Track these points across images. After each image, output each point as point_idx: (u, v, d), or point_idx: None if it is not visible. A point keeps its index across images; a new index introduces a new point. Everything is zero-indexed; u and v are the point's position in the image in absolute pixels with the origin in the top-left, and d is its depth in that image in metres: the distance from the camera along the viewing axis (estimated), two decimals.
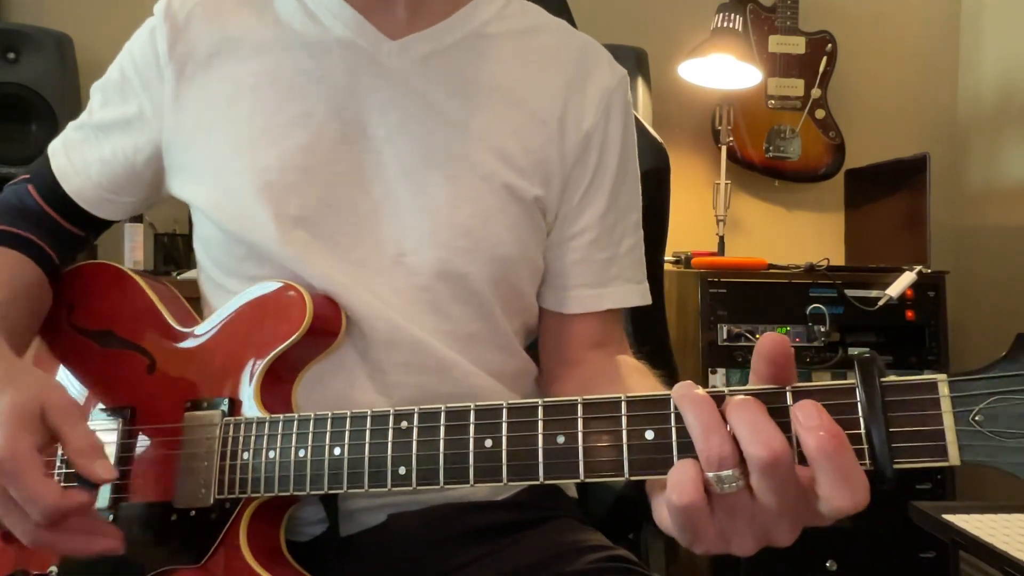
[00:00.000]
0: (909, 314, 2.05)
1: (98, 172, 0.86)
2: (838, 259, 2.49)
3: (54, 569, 0.73)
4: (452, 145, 0.79)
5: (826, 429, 0.47)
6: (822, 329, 1.99)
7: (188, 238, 2.18)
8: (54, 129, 1.96)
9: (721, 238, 2.37)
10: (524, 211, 0.81)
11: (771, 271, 2.09)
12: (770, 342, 0.51)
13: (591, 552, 0.75)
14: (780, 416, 0.49)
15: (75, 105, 2.04)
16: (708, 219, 2.42)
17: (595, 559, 0.74)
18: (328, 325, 0.74)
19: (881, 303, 2.01)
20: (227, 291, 0.80)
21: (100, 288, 0.84)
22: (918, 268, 2.06)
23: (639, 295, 0.88)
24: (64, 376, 0.82)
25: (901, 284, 2.02)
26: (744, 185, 2.58)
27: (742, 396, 0.50)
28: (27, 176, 0.90)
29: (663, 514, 0.53)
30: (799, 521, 0.50)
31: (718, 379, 1.98)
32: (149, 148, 0.84)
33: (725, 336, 1.99)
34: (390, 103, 0.79)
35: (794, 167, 2.52)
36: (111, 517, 0.73)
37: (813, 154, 2.52)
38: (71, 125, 0.90)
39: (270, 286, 0.75)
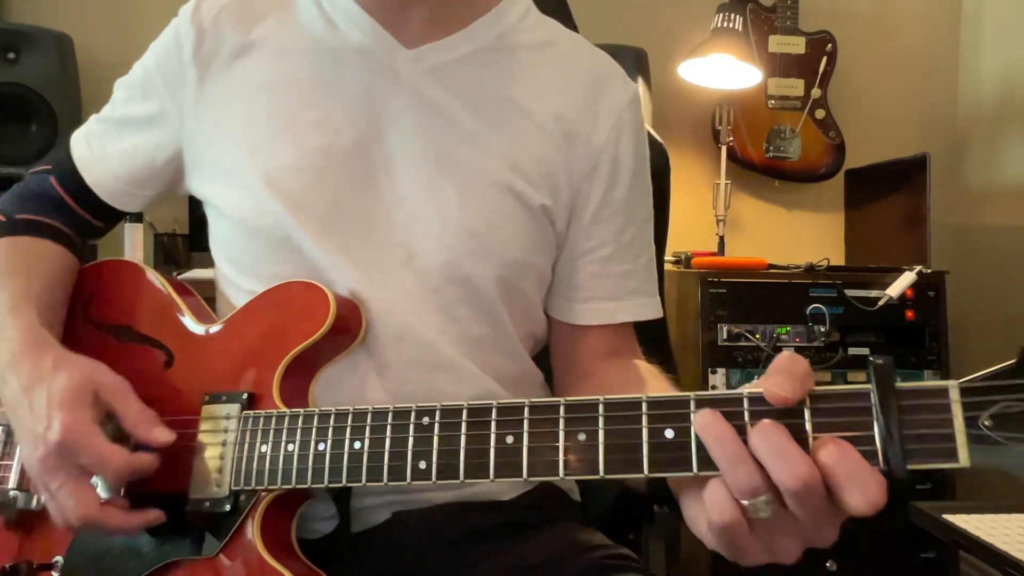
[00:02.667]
0: (909, 314, 2.05)
1: (118, 164, 0.89)
2: (838, 259, 2.49)
3: (59, 559, 0.73)
4: (463, 152, 0.81)
5: (835, 444, 0.49)
6: (822, 329, 1.99)
7: (188, 238, 2.19)
8: (54, 129, 1.96)
9: (721, 238, 2.37)
10: (532, 218, 0.82)
11: (771, 271, 2.09)
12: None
13: (594, 551, 0.76)
14: (798, 431, 0.51)
15: (75, 105, 2.04)
16: (708, 219, 2.42)
17: (598, 557, 0.75)
18: (349, 325, 0.75)
19: (881, 303, 2.01)
20: (244, 290, 0.81)
21: (118, 284, 0.86)
22: (918, 268, 2.06)
23: (653, 308, 0.90)
24: None
25: (901, 284, 2.02)
26: (744, 185, 2.58)
27: (764, 423, 0.51)
28: (47, 167, 0.92)
29: (702, 528, 0.54)
30: (837, 521, 0.52)
31: (718, 379, 1.98)
32: (170, 147, 0.86)
33: (725, 336, 1.99)
34: (404, 110, 0.81)
35: (794, 167, 2.52)
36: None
37: (813, 154, 2.52)
38: (93, 118, 0.92)
39: (292, 284, 0.76)
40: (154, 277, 0.84)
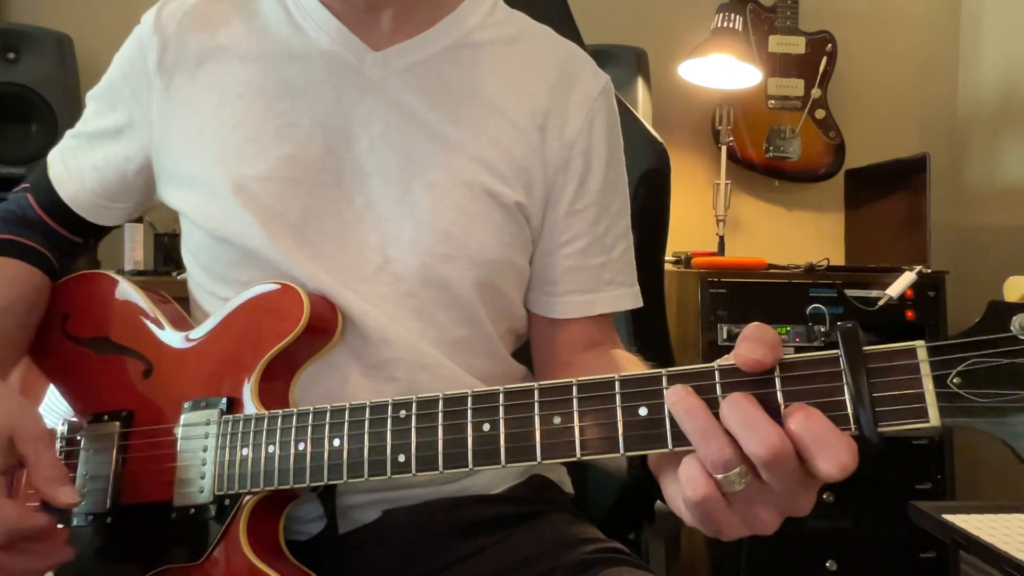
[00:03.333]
0: (909, 314, 2.05)
1: (91, 179, 0.88)
2: (838, 259, 2.49)
3: (49, 574, 0.73)
4: (434, 154, 0.80)
5: (803, 410, 0.50)
6: (822, 329, 1.99)
7: None
8: (54, 129, 1.96)
9: (721, 238, 2.37)
10: (507, 216, 0.81)
11: (771, 271, 2.09)
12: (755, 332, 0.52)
13: (585, 544, 0.76)
14: (770, 401, 0.51)
15: (75, 105, 2.04)
16: (708, 219, 2.42)
17: (589, 550, 0.75)
18: (325, 324, 0.75)
19: (881, 303, 2.01)
20: (217, 297, 0.81)
21: (94, 297, 0.85)
22: (918, 268, 2.06)
23: (631, 298, 0.89)
24: (58, 386, 0.82)
25: (901, 284, 2.02)
26: (744, 185, 2.58)
27: (734, 395, 0.51)
28: (27, 185, 0.91)
29: (680, 505, 0.54)
30: (813, 489, 0.52)
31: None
32: (139, 157, 0.86)
33: (725, 336, 1.99)
34: (373, 114, 0.80)
35: (794, 167, 2.52)
36: (110, 520, 0.73)
37: (813, 154, 2.52)
38: (68, 133, 0.92)
39: (267, 286, 0.76)
40: (129, 287, 0.84)
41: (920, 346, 0.49)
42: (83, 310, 0.85)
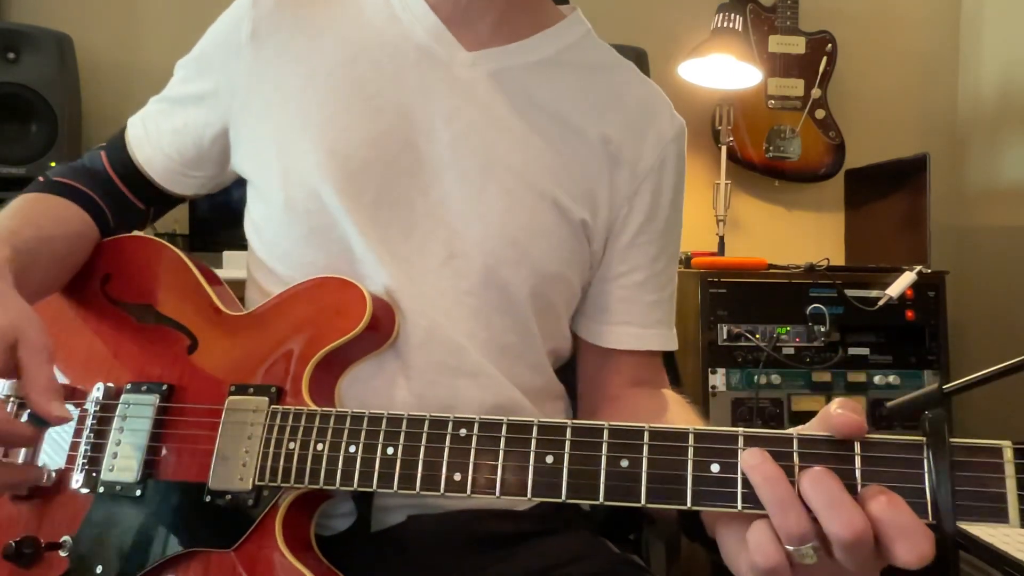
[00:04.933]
0: (909, 314, 2.05)
1: (169, 143, 0.89)
2: (838, 259, 2.49)
3: (68, 539, 0.72)
4: (511, 159, 0.81)
5: (886, 495, 0.49)
6: (822, 329, 1.99)
7: (188, 238, 2.18)
8: (54, 129, 1.96)
9: (721, 238, 2.37)
10: (572, 232, 0.83)
11: (771, 271, 2.09)
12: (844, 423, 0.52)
13: (601, 556, 0.77)
14: (848, 477, 0.51)
15: (75, 105, 2.04)
16: (708, 219, 2.42)
17: (604, 561, 0.76)
18: (382, 325, 0.75)
19: (881, 303, 2.01)
20: (275, 276, 0.81)
21: (141, 261, 0.84)
22: (918, 268, 2.06)
23: (673, 340, 0.92)
24: (92, 346, 0.80)
25: (901, 284, 2.02)
26: (744, 185, 2.58)
27: (816, 470, 0.51)
28: (103, 145, 0.92)
29: (742, 567, 0.54)
30: (879, 568, 0.52)
31: (718, 379, 1.98)
32: (218, 124, 0.86)
33: (725, 336, 1.99)
34: (458, 110, 0.81)
35: (794, 167, 2.52)
36: (139, 492, 0.72)
37: (813, 154, 2.52)
38: (152, 99, 0.93)
39: (328, 280, 0.76)
40: (182, 257, 0.82)
41: (1007, 446, 0.49)
42: (128, 273, 0.83)
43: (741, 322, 2.00)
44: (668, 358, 0.95)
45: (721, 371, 1.98)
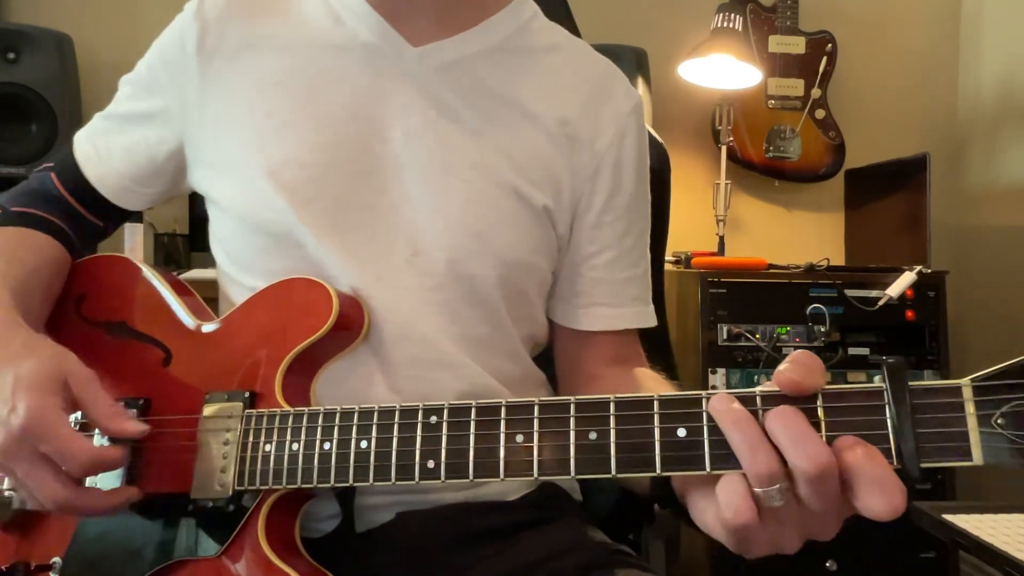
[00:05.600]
0: (909, 314, 2.05)
1: (121, 160, 0.88)
2: (838, 259, 2.49)
3: (57, 560, 0.73)
4: (468, 151, 0.81)
5: (862, 447, 0.49)
6: (822, 329, 1.99)
7: (188, 238, 2.18)
8: (54, 129, 1.96)
9: (721, 238, 2.37)
10: (535, 219, 0.82)
11: (771, 271, 2.09)
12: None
13: (593, 547, 0.76)
14: (811, 417, 0.51)
15: (75, 105, 2.04)
16: (708, 219, 2.42)
17: (596, 552, 0.75)
18: (351, 323, 0.75)
19: (881, 303, 2.01)
20: (245, 287, 0.81)
21: (113, 280, 0.84)
22: (918, 268, 2.06)
23: (650, 317, 0.91)
24: None
25: (901, 284, 2.02)
26: (744, 185, 2.58)
27: (782, 407, 0.51)
28: (50, 164, 0.91)
29: (709, 521, 0.54)
30: (841, 517, 0.52)
31: (718, 379, 1.98)
32: (172, 142, 0.86)
33: (725, 336, 1.99)
34: (409, 107, 0.81)
35: (794, 167, 2.52)
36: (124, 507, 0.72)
37: (813, 154, 2.52)
38: (97, 115, 0.92)
39: (294, 281, 0.76)
40: (150, 273, 0.83)
41: (966, 384, 0.49)
42: (100, 293, 0.84)
43: (741, 322, 2.00)
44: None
45: (721, 371, 1.98)
